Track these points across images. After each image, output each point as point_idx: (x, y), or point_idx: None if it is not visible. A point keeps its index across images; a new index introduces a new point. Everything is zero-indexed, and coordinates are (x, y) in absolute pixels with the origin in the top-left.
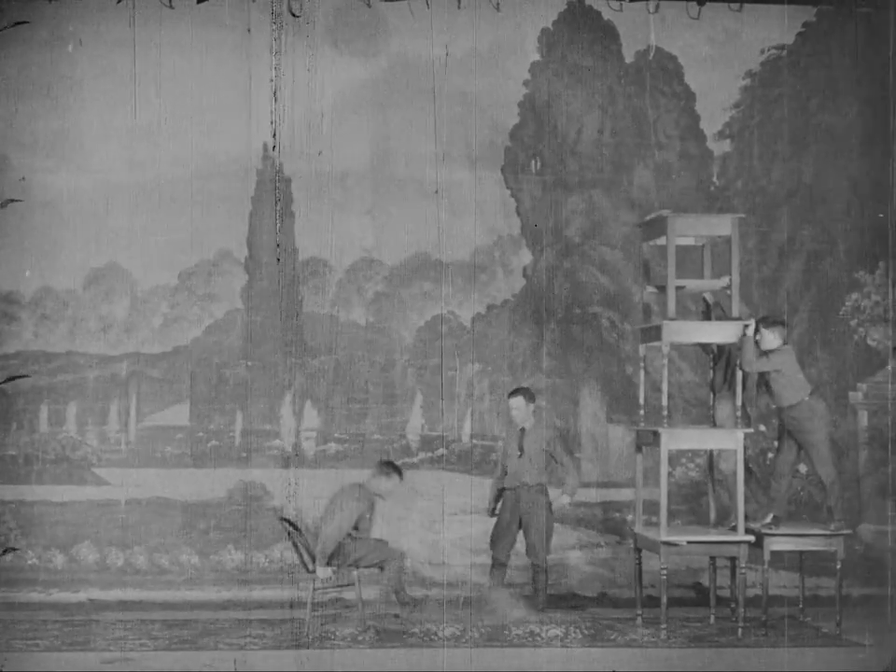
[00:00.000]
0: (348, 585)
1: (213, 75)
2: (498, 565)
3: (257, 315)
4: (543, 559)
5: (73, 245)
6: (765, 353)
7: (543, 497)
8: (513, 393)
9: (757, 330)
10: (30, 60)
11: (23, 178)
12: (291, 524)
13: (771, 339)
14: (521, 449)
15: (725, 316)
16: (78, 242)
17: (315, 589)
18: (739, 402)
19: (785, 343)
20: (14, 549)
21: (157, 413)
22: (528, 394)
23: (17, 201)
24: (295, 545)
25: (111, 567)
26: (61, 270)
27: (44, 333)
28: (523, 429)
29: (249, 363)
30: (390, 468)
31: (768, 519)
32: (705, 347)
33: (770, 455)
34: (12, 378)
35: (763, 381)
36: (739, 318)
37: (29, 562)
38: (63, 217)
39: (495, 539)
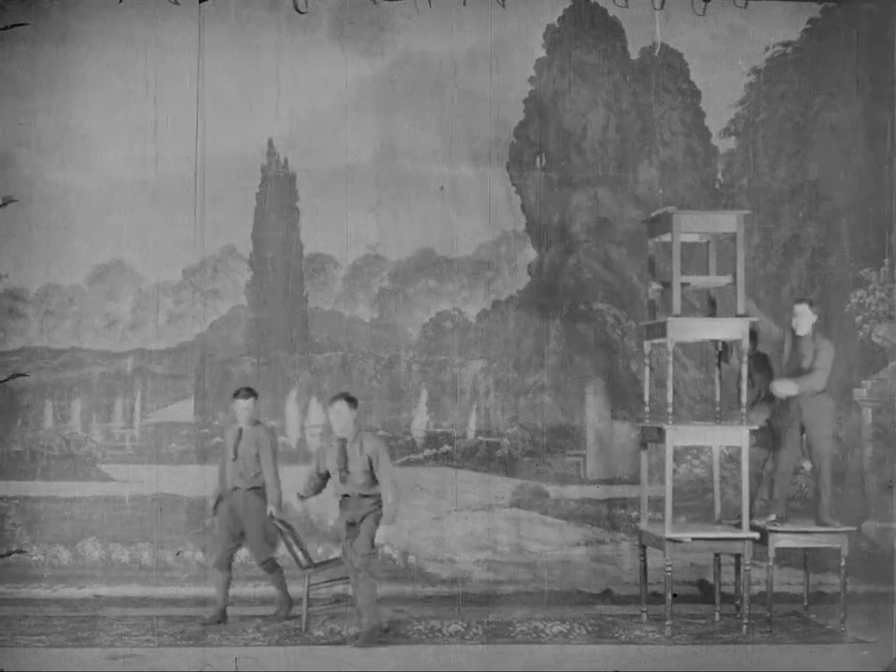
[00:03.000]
0: (342, 580)
1: (218, 72)
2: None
3: (262, 312)
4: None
5: (78, 242)
6: (811, 354)
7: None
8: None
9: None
10: (34, 58)
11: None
12: (283, 522)
13: (811, 316)
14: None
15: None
16: (83, 238)
17: (310, 585)
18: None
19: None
20: (21, 551)
21: (162, 409)
22: (352, 400)
23: (15, 200)
24: (287, 544)
25: (116, 564)
26: (66, 266)
27: (49, 329)
28: (344, 439)
29: (254, 359)
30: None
31: (771, 517)
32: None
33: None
34: (14, 376)
35: (796, 366)
36: (745, 315)
37: (34, 558)
38: (68, 213)
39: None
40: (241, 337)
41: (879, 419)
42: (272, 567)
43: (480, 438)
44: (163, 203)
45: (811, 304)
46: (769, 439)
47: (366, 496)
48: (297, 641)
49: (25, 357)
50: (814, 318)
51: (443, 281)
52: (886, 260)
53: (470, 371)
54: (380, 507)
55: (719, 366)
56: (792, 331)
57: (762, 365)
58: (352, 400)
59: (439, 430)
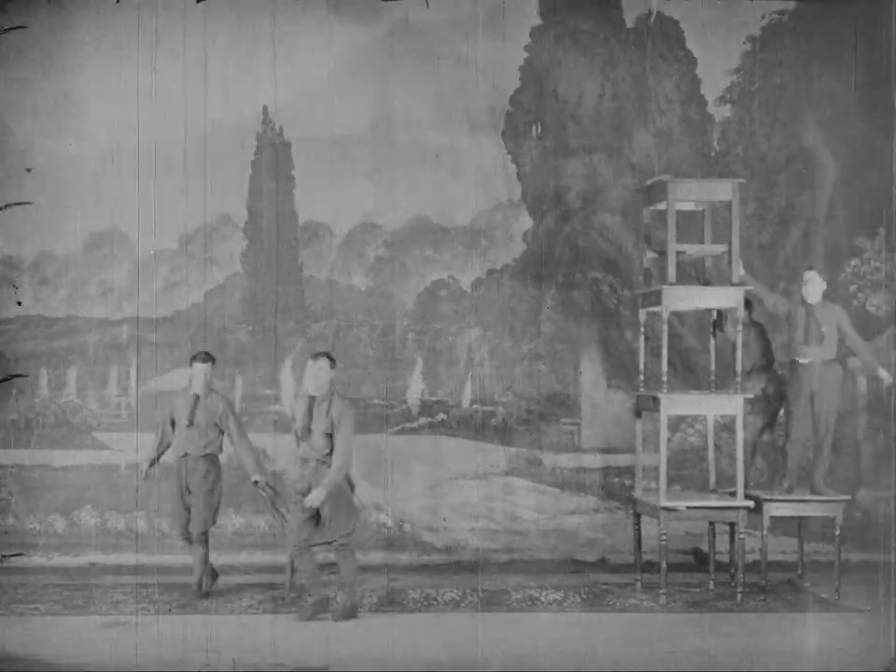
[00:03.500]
0: (325, 543)
1: (213, 39)
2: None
3: (257, 281)
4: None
5: (73, 210)
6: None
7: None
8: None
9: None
10: (29, 24)
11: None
12: (270, 486)
13: (822, 288)
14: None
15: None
16: (78, 207)
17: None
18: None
19: None
20: (19, 554)
21: (157, 377)
22: (333, 360)
23: (20, 204)
24: (275, 508)
25: (111, 532)
26: (61, 234)
27: (44, 298)
28: (313, 397)
29: (249, 328)
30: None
31: (785, 486)
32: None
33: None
34: (11, 377)
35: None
36: (741, 284)
37: (30, 526)
38: (63, 181)
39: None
40: (236, 305)
41: (873, 388)
42: (204, 540)
43: (475, 406)
44: (159, 171)
45: (820, 271)
46: (765, 407)
47: (323, 462)
48: (292, 609)
49: (20, 325)
50: (824, 285)
51: (439, 249)
52: (880, 230)
53: (466, 340)
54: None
55: (714, 335)
56: (803, 300)
57: (758, 334)
58: (333, 360)
59: (434, 399)
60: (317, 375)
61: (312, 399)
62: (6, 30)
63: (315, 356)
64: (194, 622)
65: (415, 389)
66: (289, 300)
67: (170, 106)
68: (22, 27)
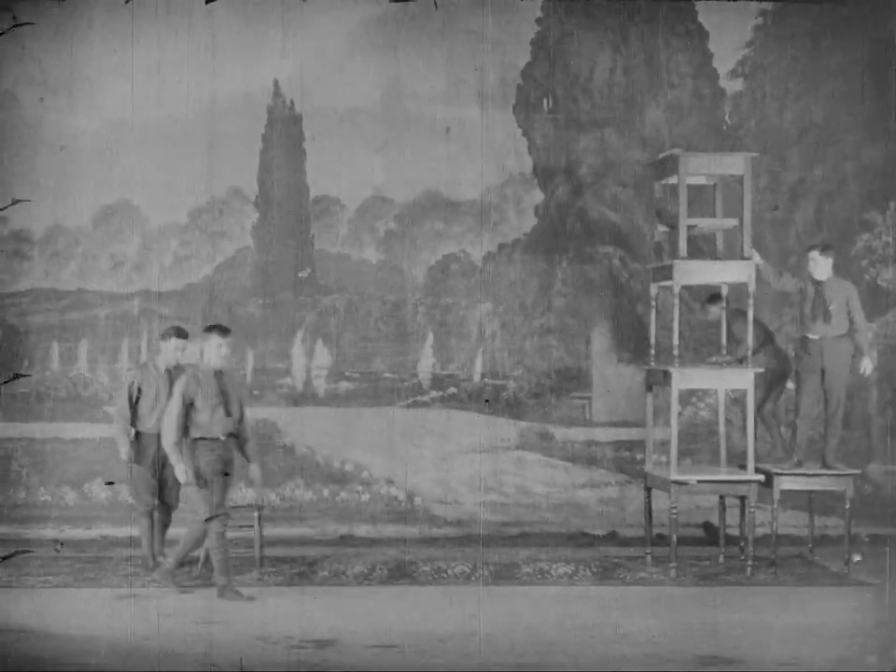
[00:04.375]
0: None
1: (224, 11)
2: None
3: (268, 254)
4: None
5: (84, 183)
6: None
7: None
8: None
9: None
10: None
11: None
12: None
13: (827, 266)
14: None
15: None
16: (89, 180)
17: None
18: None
19: None
20: (27, 551)
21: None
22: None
23: (25, 200)
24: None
25: (122, 505)
26: (71, 208)
27: (55, 271)
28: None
29: (260, 301)
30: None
31: (795, 460)
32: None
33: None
34: (16, 377)
35: (822, 311)
36: (750, 258)
37: (41, 499)
38: (74, 155)
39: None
40: (247, 279)
41: (884, 362)
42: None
43: (486, 380)
44: (170, 144)
45: (822, 249)
46: (765, 383)
47: (233, 436)
48: (300, 582)
49: (31, 298)
50: (830, 262)
51: (450, 223)
52: (892, 204)
53: (476, 314)
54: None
55: (724, 309)
56: (810, 276)
57: (744, 319)
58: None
59: (445, 373)
60: (219, 352)
61: (220, 373)
62: (14, 25)
63: (222, 331)
64: (202, 595)
65: (426, 363)
66: (300, 273)
67: (181, 80)
68: (30, 24)
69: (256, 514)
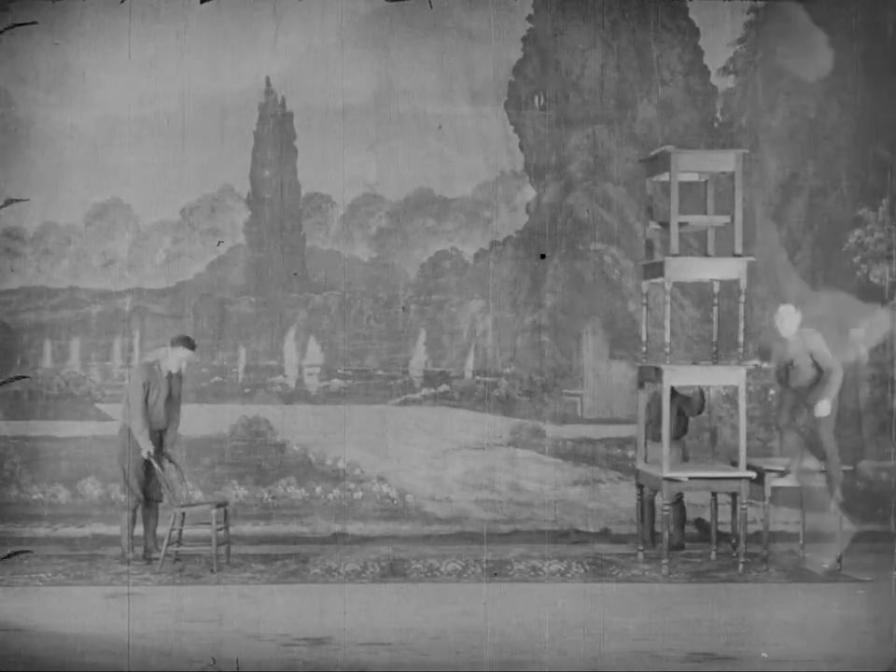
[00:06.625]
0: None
1: (216, 8)
2: None
3: (259, 251)
4: None
5: (75, 181)
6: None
7: None
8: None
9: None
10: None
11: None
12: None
13: (794, 322)
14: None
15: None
16: (81, 177)
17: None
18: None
19: None
20: (26, 551)
21: (160, 348)
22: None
23: (21, 200)
24: (165, 481)
25: (115, 502)
26: (63, 205)
27: (47, 269)
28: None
29: (252, 299)
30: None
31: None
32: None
33: (772, 392)
34: (12, 379)
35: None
36: (742, 255)
37: (34, 497)
38: (66, 152)
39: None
40: (239, 277)
41: (876, 359)
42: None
43: (477, 377)
44: (161, 142)
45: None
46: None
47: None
48: (295, 580)
49: (23, 296)
50: (798, 318)
51: (441, 220)
52: (884, 200)
53: (468, 311)
54: None
55: (716, 305)
56: (777, 333)
57: (683, 405)
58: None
59: (436, 370)
60: (184, 360)
61: (174, 376)
62: (14, 25)
63: (193, 346)
64: (197, 592)
65: (418, 360)
66: (292, 271)
67: (172, 77)
68: (33, 23)
69: (213, 512)
